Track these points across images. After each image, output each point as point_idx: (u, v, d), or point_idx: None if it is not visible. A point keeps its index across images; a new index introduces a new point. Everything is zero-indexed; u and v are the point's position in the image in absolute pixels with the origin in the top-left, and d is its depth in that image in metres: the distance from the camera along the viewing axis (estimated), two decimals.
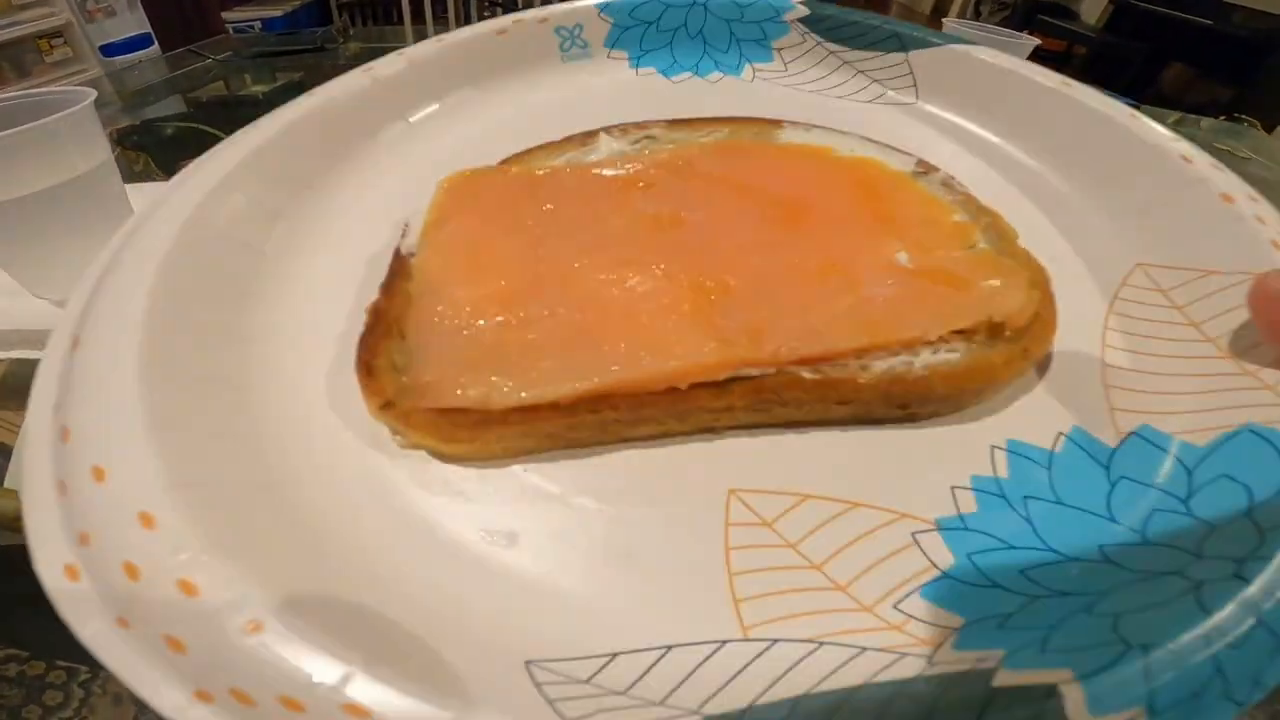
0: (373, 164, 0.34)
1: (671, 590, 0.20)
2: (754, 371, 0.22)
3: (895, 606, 0.19)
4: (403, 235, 0.28)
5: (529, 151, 0.32)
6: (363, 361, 0.23)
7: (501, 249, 0.26)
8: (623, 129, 0.32)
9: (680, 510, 0.22)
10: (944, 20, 0.85)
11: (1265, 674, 0.15)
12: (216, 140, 0.33)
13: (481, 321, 0.23)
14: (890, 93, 0.38)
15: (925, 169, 0.30)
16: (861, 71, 0.39)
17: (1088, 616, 0.18)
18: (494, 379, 0.22)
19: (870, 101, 0.38)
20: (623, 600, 0.20)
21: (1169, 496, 0.21)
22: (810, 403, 0.22)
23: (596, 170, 0.29)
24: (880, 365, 0.22)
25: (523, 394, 0.21)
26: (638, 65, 0.41)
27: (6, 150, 0.33)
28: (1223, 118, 1.02)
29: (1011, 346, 0.23)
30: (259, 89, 0.91)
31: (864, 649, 0.18)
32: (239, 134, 0.32)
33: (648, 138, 0.32)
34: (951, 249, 0.25)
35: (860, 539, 0.21)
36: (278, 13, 2.16)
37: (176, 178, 0.29)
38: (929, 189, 0.28)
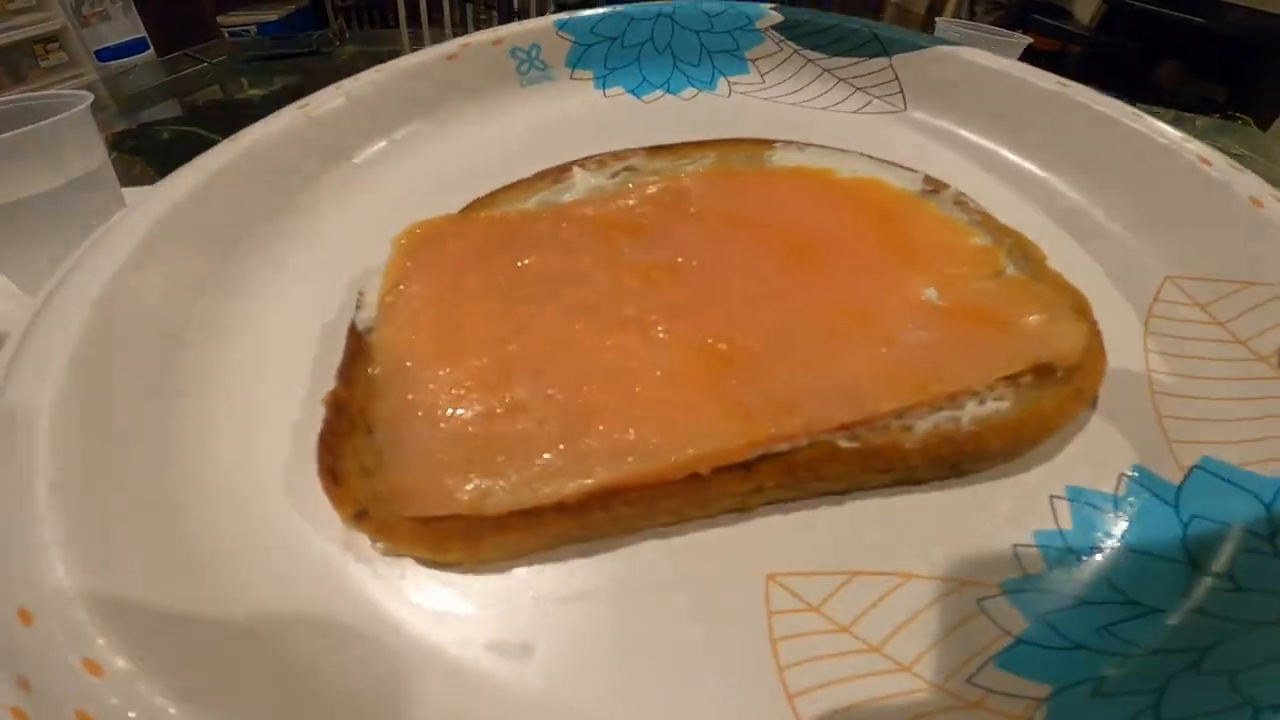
0: (315, 215, 0.31)
1: (716, 694, 0.17)
2: (784, 447, 0.19)
3: (969, 681, 0.17)
4: (357, 307, 0.24)
5: (495, 194, 0.29)
6: (326, 466, 0.20)
7: (475, 317, 0.23)
8: (599, 161, 0.29)
9: (714, 603, 0.19)
10: (937, 20, 0.85)
11: None
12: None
13: (462, 410, 0.20)
14: (876, 101, 0.36)
15: (934, 186, 0.27)
16: (843, 80, 0.37)
17: (1196, 676, 0.16)
18: (485, 481, 0.19)
19: (856, 111, 0.36)
20: (661, 712, 0.17)
21: (1252, 536, 0.19)
22: (850, 474, 0.20)
23: (576, 213, 0.26)
24: (924, 424, 0.20)
25: (521, 496, 0.18)
26: (604, 85, 0.38)
27: (5, 153, 0.32)
28: (1217, 115, 1.02)
29: (1063, 388, 0.20)
30: (256, 93, 0.91)
31: None
32: (151, 191, 0.28)
33: (627, 170, 0.29)
34: (979, 278, 0.23)
35: (921, 613, 0.19)
36: (273, 16, 2.13)
37: (74, 255, 0.25)
38: (942, 210, 0.26)
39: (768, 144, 0.30)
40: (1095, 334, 0.22)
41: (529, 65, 0.38)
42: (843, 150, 0.29)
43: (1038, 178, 0.31)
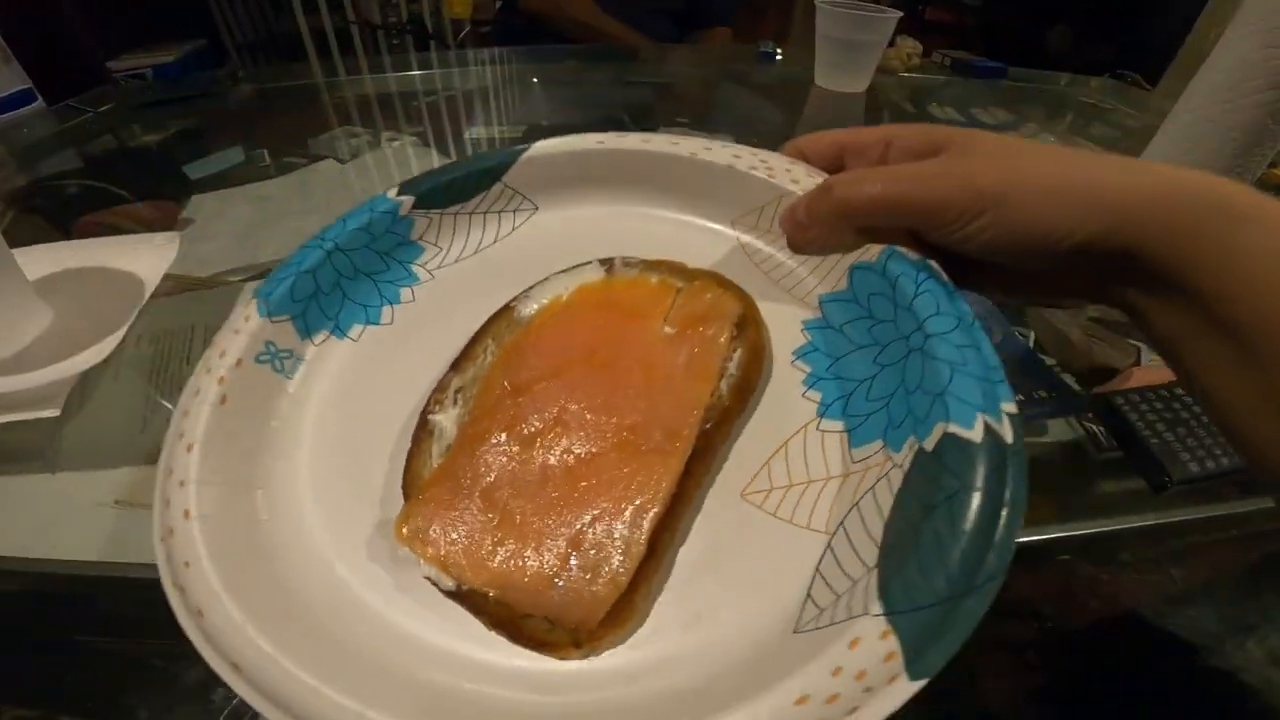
0: None
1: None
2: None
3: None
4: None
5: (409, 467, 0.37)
6: None
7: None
8: (440, 402, 0.39)
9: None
10: None
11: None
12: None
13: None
14: (518, 214, 0.49)
15: (608, 264, 0.43)
16: (489, 213, 0.49)
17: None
18: None
19: (513, 233, 0.49)
20: None
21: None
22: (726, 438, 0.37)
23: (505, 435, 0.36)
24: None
25: None
26: (344, 333, 0.44)
27: None
28: (1108, 75, 1.21)
29: (752, 329, 0.40)
30: (151, 139, 0.96)
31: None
32: None
33: (458, 392, 0.39)
34: (674, 301, 0.41)
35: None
36: (169, 58, 2.11)
37: None
38: (628, 275, 0.43)
39: (509, 309, 0.42)
40: (734, 287, 0.41)
41: (279, 361, 0.42)
42: (541, 281, 0.42)
43: (658, 216, 0.47)
